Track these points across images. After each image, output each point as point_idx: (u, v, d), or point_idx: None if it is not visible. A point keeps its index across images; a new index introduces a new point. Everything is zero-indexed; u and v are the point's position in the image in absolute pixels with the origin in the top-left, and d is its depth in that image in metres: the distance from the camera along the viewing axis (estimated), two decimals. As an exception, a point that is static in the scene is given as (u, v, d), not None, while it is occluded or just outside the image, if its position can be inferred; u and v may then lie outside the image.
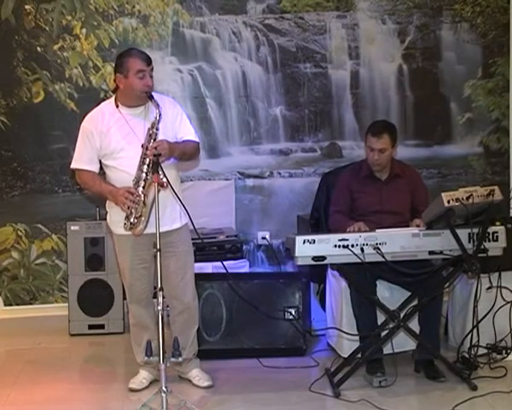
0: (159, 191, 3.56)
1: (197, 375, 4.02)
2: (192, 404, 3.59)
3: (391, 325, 3.93)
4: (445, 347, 4.38)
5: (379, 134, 4.20)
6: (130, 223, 3.68)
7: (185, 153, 3.84)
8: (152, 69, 3.77)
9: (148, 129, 3.68)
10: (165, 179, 3.55)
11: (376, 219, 4.13)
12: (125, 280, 3.97)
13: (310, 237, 3.81)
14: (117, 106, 3.78)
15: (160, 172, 3.55)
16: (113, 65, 5.14)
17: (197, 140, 3.92)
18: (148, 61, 3.75)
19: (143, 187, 3.65)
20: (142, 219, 3.67)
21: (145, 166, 3.64)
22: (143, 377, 4.00)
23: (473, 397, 3.71)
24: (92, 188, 3.87)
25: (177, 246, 3.86)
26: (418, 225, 4.00)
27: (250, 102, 5.44)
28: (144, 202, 3.64)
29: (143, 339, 3.91)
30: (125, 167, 3.72)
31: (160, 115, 3.67)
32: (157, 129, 3.67)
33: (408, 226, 4.10)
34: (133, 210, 3.66)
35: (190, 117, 5.12)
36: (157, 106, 3.66)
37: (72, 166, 3.87)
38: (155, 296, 4.03)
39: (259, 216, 5.48)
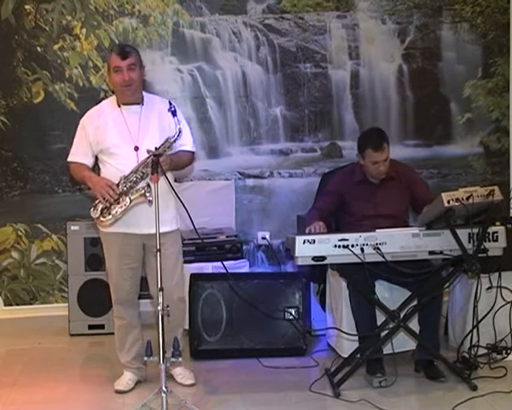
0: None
1: (180, 373, 4.03)
2: (192, 404, 3.59)
3: (391, 325, 3.93)
4: (445, 347, 4.38)
5: (380, 147, 4.18)
6: (100, 212, 3.72)
7: (178, 165, 3.92)
8: (132, 63, 3.77)
9: (161, 146, 3.69)
10: (150, 198, 3.59)
11: (372, 224, 4.09)
12: (111, 280, 3.99)
13: (310, 237, 3.81)
14: (118, 103, 3.84)
15: (152, 186, 3.59)
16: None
17: (193, 149, 3.98)
18: (124, 55, 3.76)
19: (131, 195, 3.68)
20: (112, 219, 3.73)
21: (140, 176, 3.68)
22: (129, 378, 4.00)
23: (473, 397, 3.71)
24: (77, 175, 3.92)
25: (164, 249, 3.77)
26: None
27: (250, 102, 5.44)
28: (122, 205, 3.68)
29: (128, 341, 3.99)
30: (118, 165, 3.76)
31: (178, 136, 3.71)
32: (169, 149, 3.72)
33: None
34: (107, 204, 3.70)
35: (190, 117, 5.17)
36: (178, 127, 3.70)
37: (68, 159, 3.95)
38: (141, 297, 4.10)
39: (259, 216, 5.48)
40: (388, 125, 5.46)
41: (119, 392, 3.94)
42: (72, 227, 5.02)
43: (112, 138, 3.79)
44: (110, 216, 3.72)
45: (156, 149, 3.65)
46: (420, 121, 5.56)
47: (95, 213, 3.74)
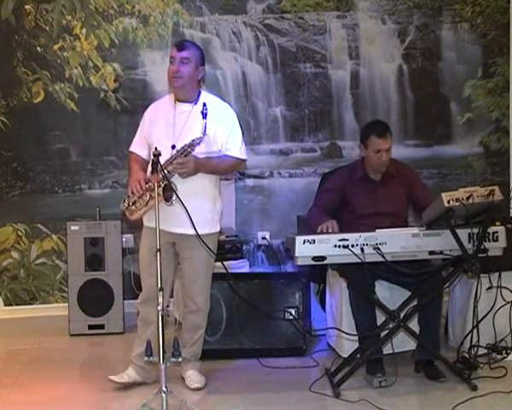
0: (165, 191, 3.63)
1: (189, 376, 4.00)
2: (192, 404, 3.59)
3: (391, 325, 3.93)
4: (445, 347, 4.38)
5: (384, 134, 4.18)
6: (128, 205, 3.82)
7: (218, 170, 3.87)
8: (185, 57, 3.76)
9: (186, 145, 3.70)
10: (174, 196, 3.61)
11: (372, 222, 4.10)
12: (141, 274, 4.00)
13: (310, 237, 3.81)
14: (174, 99, 3.87)
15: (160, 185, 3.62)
16: (113, 65, 5.27)
17: (240, 157, 3.89)
18: (180, 47, 3.78)
19: (151, 192, 3.71)
20: (136, 213, 3.82)
21: (164, 174, 3.68)
22: (127, 373, 3.97)
23: (473, 397, 3.70)
24: (129, 165, 4.05)
25: (191, 251, 3.86)
26: None
27: (250, 102, 5.44)
28: (144, 200, 3.74)
29: (144, 334, 3.94)
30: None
31: (202, 139, 3.69)
32: (193, 150, 3.71)
33: (405, 227, 4.10)
34: (135, 198, 3.77)
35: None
36: (203, 130, 3.68)
37: (129, 148, 4.05)
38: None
39: (259, 216, 5.48)
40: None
41: (110, 380, 3.92)
42: (72, 227, 5.02)
43: (157, 134, 3.82)
44: (134, 208, 3.80)
45: (173, 146, 3.69)
46: (420, 121, 5.57)
47: (123, 205, 3.84)
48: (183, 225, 3.76)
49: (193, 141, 3.70)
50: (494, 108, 5.58)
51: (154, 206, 3.59)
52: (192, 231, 3.72)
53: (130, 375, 3.98)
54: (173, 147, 3.70)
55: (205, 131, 3.69)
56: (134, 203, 3.80)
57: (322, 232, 4.02)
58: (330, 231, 4.03)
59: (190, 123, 3.77)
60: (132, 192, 3.77)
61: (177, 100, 3.84)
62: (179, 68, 3.76)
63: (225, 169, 3.92)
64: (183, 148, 3.71)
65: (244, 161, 3.98)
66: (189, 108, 3.79)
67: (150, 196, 3.71)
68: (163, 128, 3.81)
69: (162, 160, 3.66)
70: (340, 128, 5.52)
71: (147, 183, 3.75)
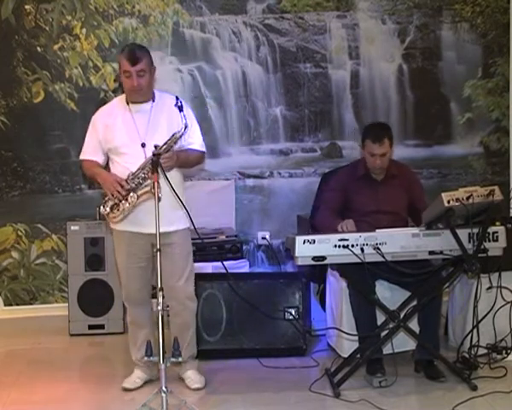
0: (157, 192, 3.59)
1: (189, 376, 4.01)
2: (192, 404, 3.59)
3: (391, 325, 3.93)
4: (445, 347, 4.38)
5: (380, 140, 4.16)
6: (110, 208, 3.74)
7: (187, 162, 3.90)
8: (141, 69, 3.71)
9: (168, 140, 3.68)
10: (161, 194, 3.56)
11: (373, 220, 4.12)
12: (121, 278, 4.01)
13: (310, 237, 3.81)
14: (127, 101, 3.84)
15: (161, 180, 3.59)
16: (113, 65, 5.27)
17: (202, 149, 3.96)
18: (133, 61, 3.70)
19: (138, 191, 3.69)
20: (121, 216, 3.74)
21: (147, 172, 3.65)
22: (137, 376, 4.00)
23: (473, 397, 3.71)
24: (88, 172, 3.93)
25: (171, 249, 3.83)
26: None
27: (250, 102, 5.44)
28: (130, 203, 3.69)
29: (139, 338, 3.97)
30: (126, 163, 3.75)
31: (184, 130, 3.70)
32: (175, 144, 3.71)
33: (405, 226, 4.10)
34: (116, 200, 3.71)
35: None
36: (184, 122, 3.68)
37: (80, 157, 3.96)
38: (154, 296, 4.03)
39: (259, 216, 5.48)
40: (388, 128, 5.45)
41: (125, 390, 3.94)
42: (72, 227, 5.03)
43: (120, 138, 3.78)
44: (119, 212, 3.72)
45: (158, 147, 3.64)
46: (420, 121, 5.56)
47: (104, 210, 3.76)
48: (162, 223, 3.62)
49: (173, 135, 3.69)
50: (494, 108, 5.58)
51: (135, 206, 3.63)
52: (171, 228, 3.77)
53: (140, 377, 4.00)
54: (143, 145, 3.69)
55: (186, 125, 3.69)
56: (117, 205, 3.71)
57: (342, 232, 3.97)
58: (345, 229, 4.00)
59: (154, 121, 3.78)
60: (113, 195, 3.69)
61: (131, 102, 3.82)
62: (138, 82, 3.72)
63: (192, 161, 3.95)
64: (165, 143, 3.67)
65: (204, 153, 4.03)
66: (148, 108, 3.80)
67: (137, 195, 3.67)
68: (124, 132, 3.78)
69: (137, 161, 3.66)
70: (340, 128, 5.52)
71: (128, 183, 3.69)
